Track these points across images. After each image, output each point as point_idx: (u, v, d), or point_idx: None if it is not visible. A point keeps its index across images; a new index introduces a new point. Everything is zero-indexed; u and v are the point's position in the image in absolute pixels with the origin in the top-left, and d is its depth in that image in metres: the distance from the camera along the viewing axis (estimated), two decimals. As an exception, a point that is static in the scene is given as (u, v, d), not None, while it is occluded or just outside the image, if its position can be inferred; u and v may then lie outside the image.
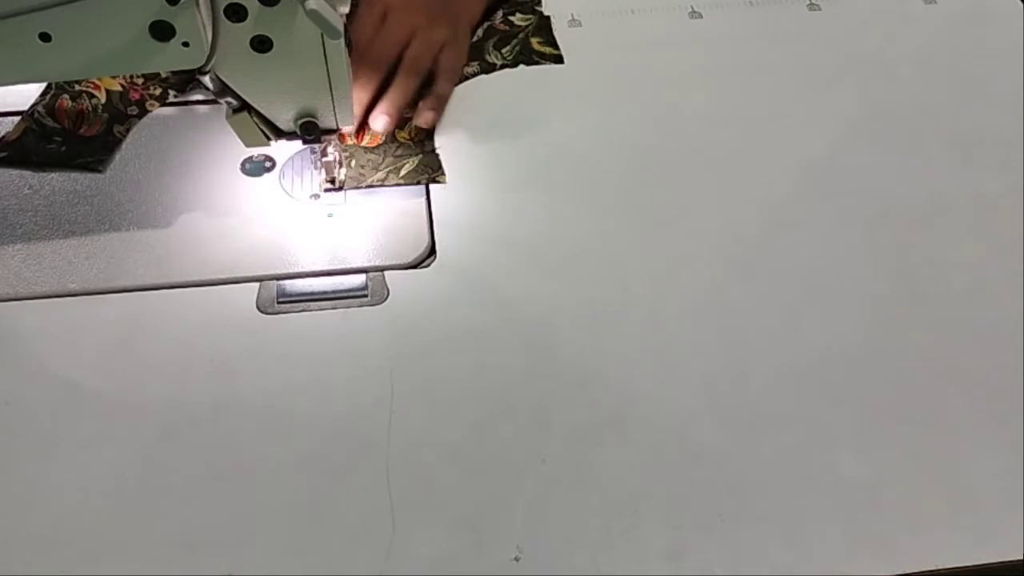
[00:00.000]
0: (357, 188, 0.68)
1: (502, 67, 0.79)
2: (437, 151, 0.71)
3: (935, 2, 0.87)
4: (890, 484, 0.54)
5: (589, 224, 0.67)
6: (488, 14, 0.83)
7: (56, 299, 0.61)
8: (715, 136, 0.73)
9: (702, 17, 0.84)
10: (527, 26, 0.82)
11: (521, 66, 0.79)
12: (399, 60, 0.74)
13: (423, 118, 0.73)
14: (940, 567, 0.50)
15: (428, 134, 0.73)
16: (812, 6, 0.86)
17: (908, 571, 0.50)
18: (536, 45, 0.80)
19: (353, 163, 0.70)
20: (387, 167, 0.70)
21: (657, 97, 0.77)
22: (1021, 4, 0.82)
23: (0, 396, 0.56)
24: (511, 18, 0.83)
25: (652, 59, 0.80)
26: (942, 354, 0.60)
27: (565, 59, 0.80)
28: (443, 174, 0.69)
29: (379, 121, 0.70)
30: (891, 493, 0.53)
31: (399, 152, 0.71)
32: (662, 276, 0.64)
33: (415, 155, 0.71)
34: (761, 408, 0.57)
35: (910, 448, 0.55)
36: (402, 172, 0.69)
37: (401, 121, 0.73)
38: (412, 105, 0.74)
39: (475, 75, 0.78)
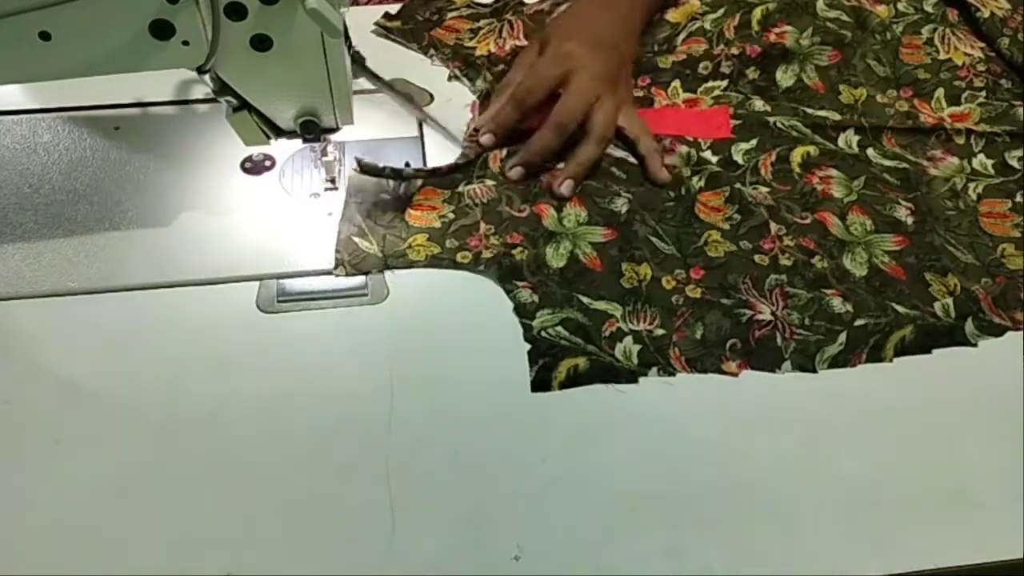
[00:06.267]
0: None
1: None
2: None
3: (936, 1, 0.87)
4: (890, 484, 0.54)
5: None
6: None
7: (56, 298, 0.61)
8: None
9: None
10: None
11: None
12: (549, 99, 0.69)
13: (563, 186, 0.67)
14: (940, 567, 0.50)
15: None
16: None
17: (908, 571, 0.50)
18: None
19: None
20: None
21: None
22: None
23: (0, 395, 0.56)
24: None
25: None
26: (942, 355, 0.60)
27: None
28: None
29: (566, 186, 0.67)
30: (891, 493, 0.53)
31: None
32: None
33: None
34: (761, 408, 0.57)
35: (910, 448, 0.55)
36: None
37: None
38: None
39: None
